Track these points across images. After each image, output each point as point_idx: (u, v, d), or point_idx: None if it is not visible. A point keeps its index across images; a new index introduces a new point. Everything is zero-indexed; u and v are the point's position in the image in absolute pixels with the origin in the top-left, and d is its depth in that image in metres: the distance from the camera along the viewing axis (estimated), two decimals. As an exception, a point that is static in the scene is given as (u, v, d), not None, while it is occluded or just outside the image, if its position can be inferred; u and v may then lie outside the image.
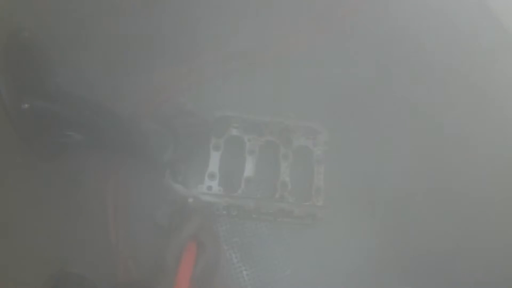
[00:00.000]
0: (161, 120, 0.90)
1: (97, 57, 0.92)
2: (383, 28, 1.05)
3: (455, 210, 0.93)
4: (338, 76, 1.04)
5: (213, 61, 1.05)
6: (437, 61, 0.99)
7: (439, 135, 0.97)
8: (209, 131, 0.95)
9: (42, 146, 0.73)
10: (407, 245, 0.94)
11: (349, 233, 0.96)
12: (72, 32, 0.87)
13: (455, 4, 0.97)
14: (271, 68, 1.06)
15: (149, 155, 0.87)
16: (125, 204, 0.92)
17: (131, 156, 0.90)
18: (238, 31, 1.04)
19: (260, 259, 0.93)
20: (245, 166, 0.94)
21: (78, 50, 0.89)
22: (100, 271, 0.82)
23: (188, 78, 1.04)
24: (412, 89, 1.01)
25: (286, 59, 1.07)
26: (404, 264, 0.92)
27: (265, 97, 1.02)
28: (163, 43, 1.00)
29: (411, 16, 1.02)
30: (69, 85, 0.77)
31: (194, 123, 0.91)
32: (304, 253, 0.94)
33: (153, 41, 0.98)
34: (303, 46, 1.08)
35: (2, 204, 0.78)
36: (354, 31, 1.06)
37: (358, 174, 0.99)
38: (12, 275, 0.72)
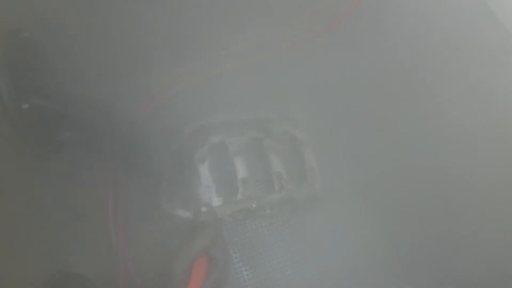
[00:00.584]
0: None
1: (97, 57, 0.92)
2: (382, 27, 1.05)
3: (455, 209, 0.93)
4: (322, 67, 1.04)
5: (213, 61, 1.05)
6: (437, 60, 0.99)
7: (439, 135, 0.97)
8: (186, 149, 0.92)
9: (42, 146, 0.73)
10: (406, 245, 0.94)
11: (347, 217, 0.96)
12: (72, 32, 0.87)
13: (455, 4, 0.97)
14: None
15: (147, 166, 0.85)
16: (125, 204, 0.92)
17: (130, 165, 0.89)
18: (238, 31, 1.04)
19: (260, 259, 0.93)
20: (236, 168, 0.93)
21: (78, 50, 0.89)
22: (100, 271, 0.82)
23: (188, 78, 1.04)
24: (412, 89, 1.01)
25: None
26: (404, 264, 0.92)
27: (233, 96, 1.00)
28: (163, 43, 1.00)
29: (411, 15, 1.02)
30: (69, 85, 0.77)
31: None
32: (304, 253, 0.94)
33: (153, 41, 0.98)
34: (302, 46, 1.08)
35: (1, 204, 0.78)
36: (353, 29, 1.07)
37: (347, 155, 0.99)
38: (12, 275, 0.72)
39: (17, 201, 0.81)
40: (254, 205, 0.90)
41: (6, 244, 0.75)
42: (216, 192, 0.91)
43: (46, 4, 0.82)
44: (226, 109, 0.95)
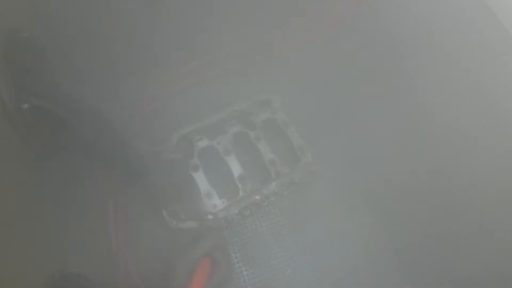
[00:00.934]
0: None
1: (96, 58, 0.92)
2: (383, 27, 1.05)
3: (455, 209, 0.93)
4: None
5: (213, 61, 1.05)
6: (437, 60, 0.99)
7: (439, 135, 0.97)
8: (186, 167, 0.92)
9: (41, 146, 0.73)
10: (407, 245, 0.94)
11: (347, 217, 0.96)
12: (72, 32, 0.87)
13: (455, 4, 0.97)
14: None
15: (144, 176, 0.84)
16: (125, 205, 0.92)
17: (129, 180, 0.89)
18: (238, 31, 1.04)
19: (260, 259, 0.93)
20: (231, 167, 0.94)
21: (78, 50, 0.89)
22: (100, 271, 0.82)
23: (187, 79, 1.04)
24: (411, 88, 1.01)
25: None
26: (404, 264, 0.92)
27: (205, 98, 1.01)
28: (163, 44, 1.00)
29: (411, 16, 1.02)
30: (69, 85, 0.77)
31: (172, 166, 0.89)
32: (304, 253, 0.94)
33: (153, 42, 0.98)
34: (302, 46, 1.08)
35: (1, 204, 0.78)
36: (353, 29, 1.07)
37: (347, 155, 1.01)
38: (12, 275, 0.72)
39: (17, 201, 0.81)
40: (257, 197, 0.91)
41: (6, 244, 0.74)
42: (218, 196, 0.91)
43: (46, 4, 0.82)
44: (205, 112, 0.96)
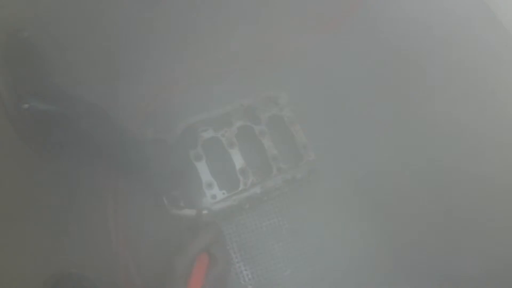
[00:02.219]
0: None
1: (97, 57, 0.92)
2: (383, 27, 1.05)
3: (455, 208, 0.93)
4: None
5: (213, 61, 1.05)
6: (437, 60, 0.99)
7: (440, 135, 0.97)
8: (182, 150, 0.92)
9: (42, 146, 0.73)
10: (406, 245, 0.94)
11: (347, 218, 0.96)
12: (72, 32, 0.87)
13: (455, 4, 0.97)
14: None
15: (145, 169, 0.85)
16: (125, 204, 0.92)
17: (129, 170, 0.89)
18: (238, 31, 1.04)
19: (260, 259, 0.93)
20: (233, 160, 0.94)
21: (78, 50, 0.89)
22: (100, 271, 0.82)
23: (187, 79, 1.04)
24: (412, 88, 1.01)
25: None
26: (404, 264, 0.92)
27: (213, 93, 1.02)
28: (163, 44, 1.00)
29: (411, 16, 1.02)
30: (69, 85, 0.77)
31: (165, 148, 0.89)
32: (304, 253, 0.94)
33: (153, 42, 0.98)
34: (301, 46, 1.08)
35: (1, 204, 0.78)
36: (353, 29, 1.07)
37: (347, 155, 1.01)
38: (12, 275, 0.72)
39: (17, 201, 0.81)
40: (257, 192, 0.92)
41: (6, 244, 0.75)
42: (219, 187, 0.92)
43: (46, 4, 0.82)
44: (212, 106, 0.97)
